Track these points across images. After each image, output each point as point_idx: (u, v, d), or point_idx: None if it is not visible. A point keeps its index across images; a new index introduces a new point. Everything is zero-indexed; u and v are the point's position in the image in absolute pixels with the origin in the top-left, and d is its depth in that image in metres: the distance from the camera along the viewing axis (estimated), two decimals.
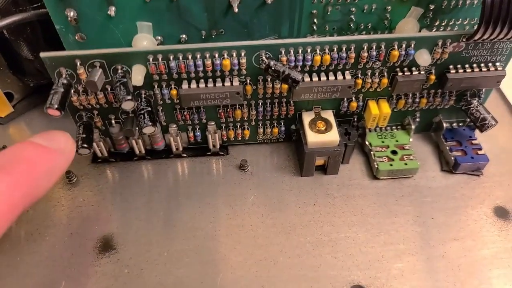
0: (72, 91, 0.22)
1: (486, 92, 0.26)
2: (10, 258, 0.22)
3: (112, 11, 0.22)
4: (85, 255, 0.22)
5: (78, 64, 0.21)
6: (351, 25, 0.24)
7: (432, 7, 0.23)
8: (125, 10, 0.22)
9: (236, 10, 0.22)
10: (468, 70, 0.23)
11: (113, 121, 0.24)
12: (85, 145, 0.23)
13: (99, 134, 0.25)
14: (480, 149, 0.26)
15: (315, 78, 0.23)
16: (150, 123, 0.22)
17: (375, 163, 0.25)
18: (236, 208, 0.24)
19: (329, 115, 0.25)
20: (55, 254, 0.22)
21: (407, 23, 0.23)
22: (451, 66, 0.23)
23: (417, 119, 0.26)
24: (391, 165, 0.25)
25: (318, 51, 0.22)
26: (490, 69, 0.23)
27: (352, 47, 0.22)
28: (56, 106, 0.20)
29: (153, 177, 0.26)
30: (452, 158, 0.25)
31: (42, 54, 0.21)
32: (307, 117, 0.25)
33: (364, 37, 0.21)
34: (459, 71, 0.23)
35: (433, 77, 0.23)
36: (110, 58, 0.21)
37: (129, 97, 0.20)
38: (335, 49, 0.22)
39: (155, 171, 0.26)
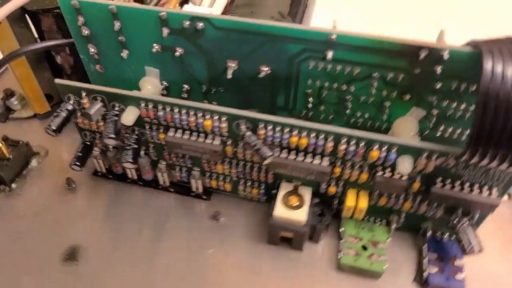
0: (78, 114, 0.24)
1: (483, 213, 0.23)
2: None
3: (125, 53, 0.24)
4: (51, 258, 0.25)
5: (84, 94, 0.24)
6: (347, 112, 0.24)
7: (435, 112, 0.22)
8: (136, 55, 0.24)
9: (229, 76, 0.23)
10: (458, 187, 0.22)
11: (110, 147, 0.27)
12: (78, 163, 0.25)
13: (100, 153, 0.28)
14: (461, 272, 0.23)
15: (292, 156, 0.23)
16: (131, 161, 0.24)
17: (340, 253, 0.24)
18: (192, 255, 0.25)
19: (307, 192, 0.25)
20: (24, 249, 0.25)
21: (406, 121, 0.22)
22: (439, 178, 0.22)
23: (401, 220, 0.25)
24: (355, 260, 0.24)
25: (296, 133, 0.22)
26: (484, 193, 0.21)
27: (330, 138, 0.21)
28: (53, 128, 0.23)
29: (139, 202, 0.28)
30: (426, 272, 0.23)
31: (57, 81, 0.24)
32: (284, 189, 0.25)
33: (344, 130, 0.21)
34: (446, 186, 0.22)
35: (417, 185, 0.22)
36: (110, 96, 0.23)
37: (112, 136, 0.23)
38: (313, 135, 0.22)
39: (142, 197, 0.28)
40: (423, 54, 0.20)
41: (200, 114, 0.22)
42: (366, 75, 0.21)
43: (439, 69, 0.20)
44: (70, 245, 0.25)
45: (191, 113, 0.22)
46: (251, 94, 0.24)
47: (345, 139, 0.21)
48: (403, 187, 0.22)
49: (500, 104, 0.17)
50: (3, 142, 0.28)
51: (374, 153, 0.21)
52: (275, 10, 0.22)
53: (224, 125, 0.22)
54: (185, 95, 0.25)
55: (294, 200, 0.24)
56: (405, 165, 0.21)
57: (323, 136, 0.21)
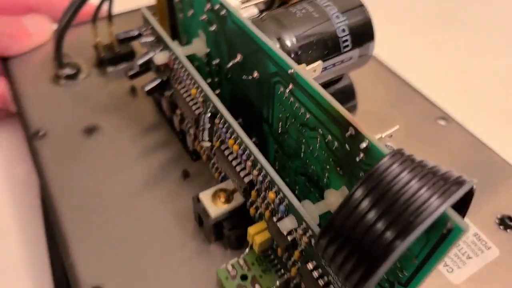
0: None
1: None
2: None
3: (190, 12, 0.29)
4: (74, 125, 0.33)
5: (149, 28, 0.30)
6: (302, 154, 0.23)
7: None
8: (195, 17, 0.28)
9: (229, 65, 0.25)
10: (321, 282, 0.19)
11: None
12: (129, 74, 0.32)
13: None
14: None
15: (231, 157, 0.24)
16: (146, 90, 0.29)
17: (224, 265, 0.25)
18: (142, 187, 0.29)
19: (237, 200, 0.26)
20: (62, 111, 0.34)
21: (334, 196, 0.21)
22: (313, 262, 0.20)
23: (291, 285, 0.23)
24: (226, 278, 0.24)
25: (234, 136, 0.23)
26: None
27: (252, 157, 0.22)
28: (118, 38, 0.30)
29: (158, 131, 0.33)
30: None
31: (142, 10, 0.30)
32: (226, 184, 0.26)
33: (260, 157, 0.21)
34: (315, 273, 0.20)
35: (297, 254, 0.21)
36: (159, 37, 0.29)
37: (139, 63, 0.29)
38: (242, 147, 0.22)
39: (163, 129, 0.34)
40: (349, 132, 0.18)
41: (193, 81, 0.26)
42: (314, 126, 0.21)
43: (361, 156, 0.18)
44: (94, 124, 0.33)
45: (189, 77, 0.26)
46: (248, 92, 0.26)
47: (259, 166, 0.21)
48: (285, 246, 0.21)
49: (369, 204, 0.15)
50: (116, 39, 0.37)
51: (271, 195, 0.21)
52: (279, 33, 0.23)
53: (201, 99, 0.25)
54: (216, 68, 0.29)
55: (222, 197, 0.26)
56: (284, 222, 0.20)
57: (247, 152, 0.22)
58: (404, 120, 0.35)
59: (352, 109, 0.29)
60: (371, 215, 0.15)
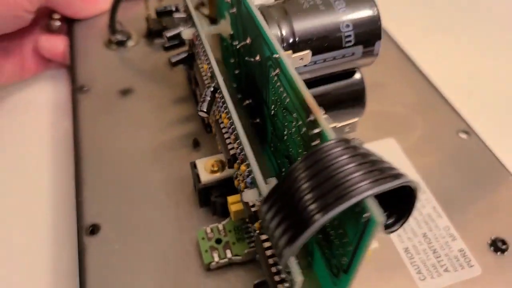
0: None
1: None
2: None
3: None
4: (111, 88, 0.37)
5: (184, 5, 0.33)
6: (285, 137, 0.24)
7: None
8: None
9: (238, 46, 0.27)
10: (270, 252, 0.21)
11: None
12: (164, 46, 0.35)
13: None
14: None
15: (225, 130, 0.26)
16: (172, 61, 0.32)
17: (204, 227, 0.27)
18: (153, 150, 0.33)
19: (228, 171, 0.28)
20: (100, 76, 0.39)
21: None
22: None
23: (257, 256, 0.25)
24: (202, 239, 0.26)
25: (226, 111, 0.25)
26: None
27: (235, 132, 0.24)
28: (157, 10, 0.33)
29: (185, 101, 0.37)
30: None
31: None
32: (222, 156, 0.28)
33: (240, 132, 0.23)
34: (266, 243, 0.21)
35: (258, 225, 0.22)
36: (189, 14, 0.31)
37: (168, 36, 0.31)
38: (230, 121, 0.24)
39: (190, 101, 0.37)
40: (310, 118, 0.19)
41: (206, 58, 0.28)
42: (291, 110, 0.22)
43: (316, 141, 0.19)
44: (130, 87, 0.37)
45: (204, 53, 0.28)
46: (254, 75, 0.28)
47: (239, 139, 0.23)
48: (249, 216, 0.23)
49: (306, 179, 0.17)
50: (162, 15, 0.40)
51: (243, 167, 0.23)
52: (279, 21, 0.24)
53: (209, 75, 0.28)
54: (236, 49, 0.31)
55: (215, 166, 0.28)
56: (247, 193, 0.22)
57: (233, 126, 0.24)
58: (424, 126, 0.34)
59: (358, 107, 0.29)
60: (305, 189, 0.16)
